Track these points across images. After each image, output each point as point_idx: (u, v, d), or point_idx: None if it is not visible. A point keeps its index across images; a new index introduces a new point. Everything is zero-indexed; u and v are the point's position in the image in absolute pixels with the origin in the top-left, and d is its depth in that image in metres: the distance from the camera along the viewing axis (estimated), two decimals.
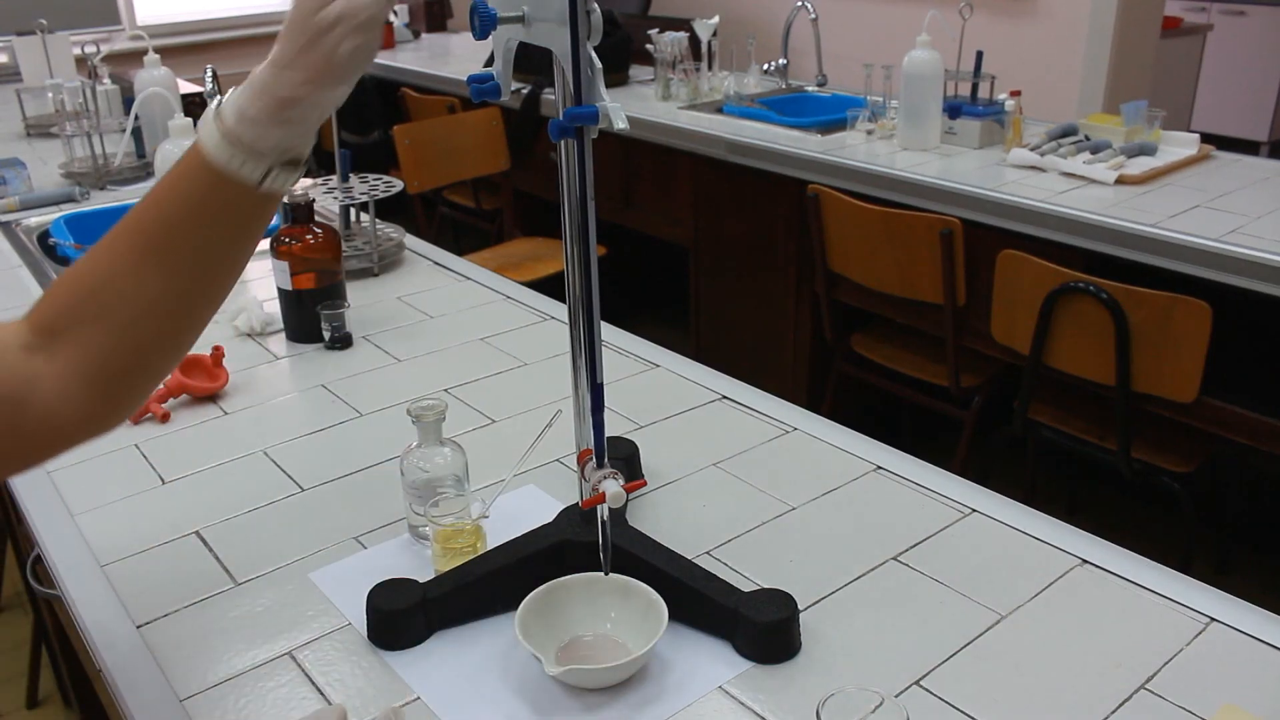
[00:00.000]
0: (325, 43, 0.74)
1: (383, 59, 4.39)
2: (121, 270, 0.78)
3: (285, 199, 1.53)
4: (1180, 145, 2.53)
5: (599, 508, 0.86)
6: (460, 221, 4.06)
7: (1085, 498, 2.66)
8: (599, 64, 0.78)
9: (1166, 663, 0.88)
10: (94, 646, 0.95)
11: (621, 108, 0.77)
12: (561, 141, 0.83)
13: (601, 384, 0.87)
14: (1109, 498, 2.64)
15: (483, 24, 0.80)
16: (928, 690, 0.85)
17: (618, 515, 1.02)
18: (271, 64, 0.76)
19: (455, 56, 4.45)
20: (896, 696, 0.83)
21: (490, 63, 3.41)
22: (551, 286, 1.75)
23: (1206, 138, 2.58)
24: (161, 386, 1.36)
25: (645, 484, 1.14)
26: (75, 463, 1.24)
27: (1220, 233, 2.02)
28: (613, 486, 0.83)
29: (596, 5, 0.78)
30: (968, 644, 0.90)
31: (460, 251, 1.95)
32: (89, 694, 1.88)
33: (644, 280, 3.70)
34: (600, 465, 0.88)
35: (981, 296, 2.31)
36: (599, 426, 0.88)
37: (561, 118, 0.79)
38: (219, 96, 0.80)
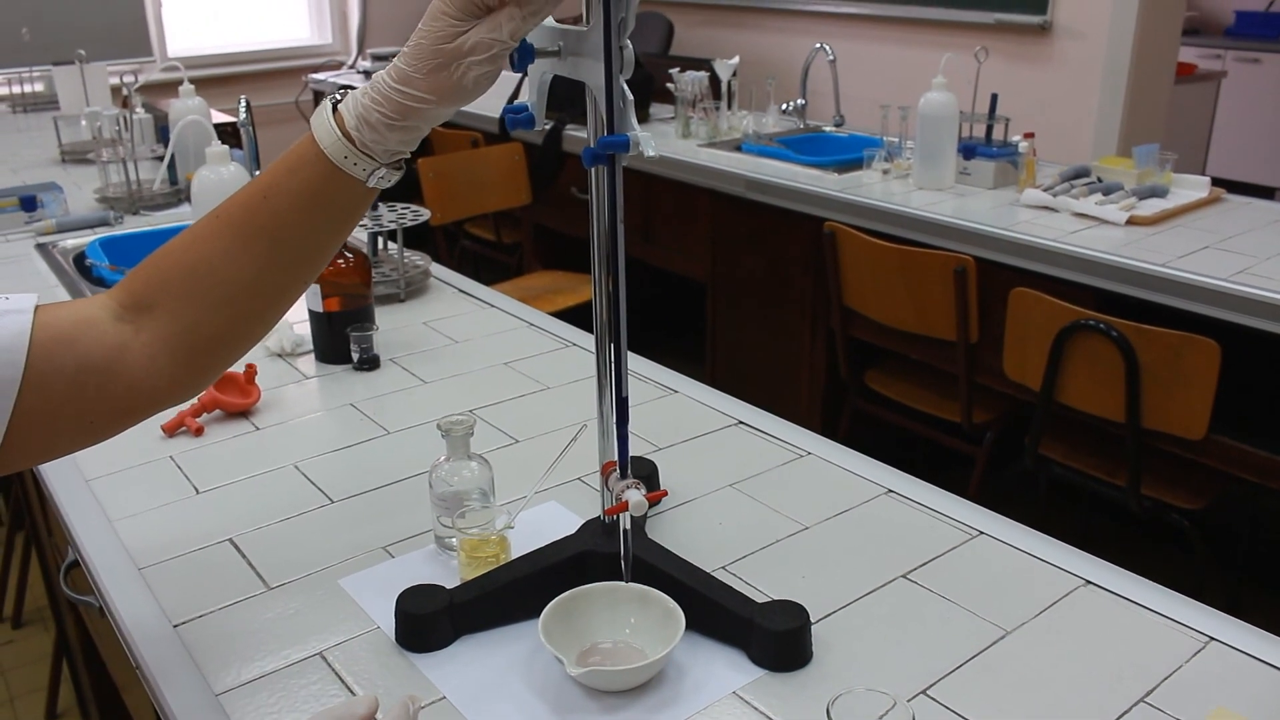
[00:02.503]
0: (455, 68, 0.79)
1: None
2: (220, 252, 0.84)
3: None
4: (1191, 188, 2.58)
5: (621, 516, 0.90)
6: (481, 254, 4.12)
7: (1096, 535, 2.68)
8: (630, 96, 0.83)
9: (1166, 678, 0.91)
10: (133, 643, 0.99)
11: (651, 137, 0.82)
12: (593, 168, 0.87)
13: (626, 397, 0.92)
14: (1120, 535, 2.66)
15: (520, 57, 0.85)
16: (934, 699, 0.89)
17: (638, 528, 1.06)
18: (395, 77, 0.81)
19: None
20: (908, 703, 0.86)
21: (514, 98, 3.48)
22: (571, 318, 1.79)
23: (1222, 183, 2.63)
24: (196, 401, 1.41)
25: (666, 493, 1.18)
26: (113, 472, 1.29)
27: (1229, 273, 2.06)
28: (635, 496, 0.87)
29: (629, 41, 0.83)
30: (973, 657, 0.94)
31: (481, 283, 1.99)
32: (110, 707, 1.92)
33: (661, 315, 3.75)
34: (624, 476, 0.92)
35: (994, 333, 2.35)
36: (623, 439, 0.92)
37: (595, 146, 0.84)
38: (335, 97, 0.85)
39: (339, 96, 0.85)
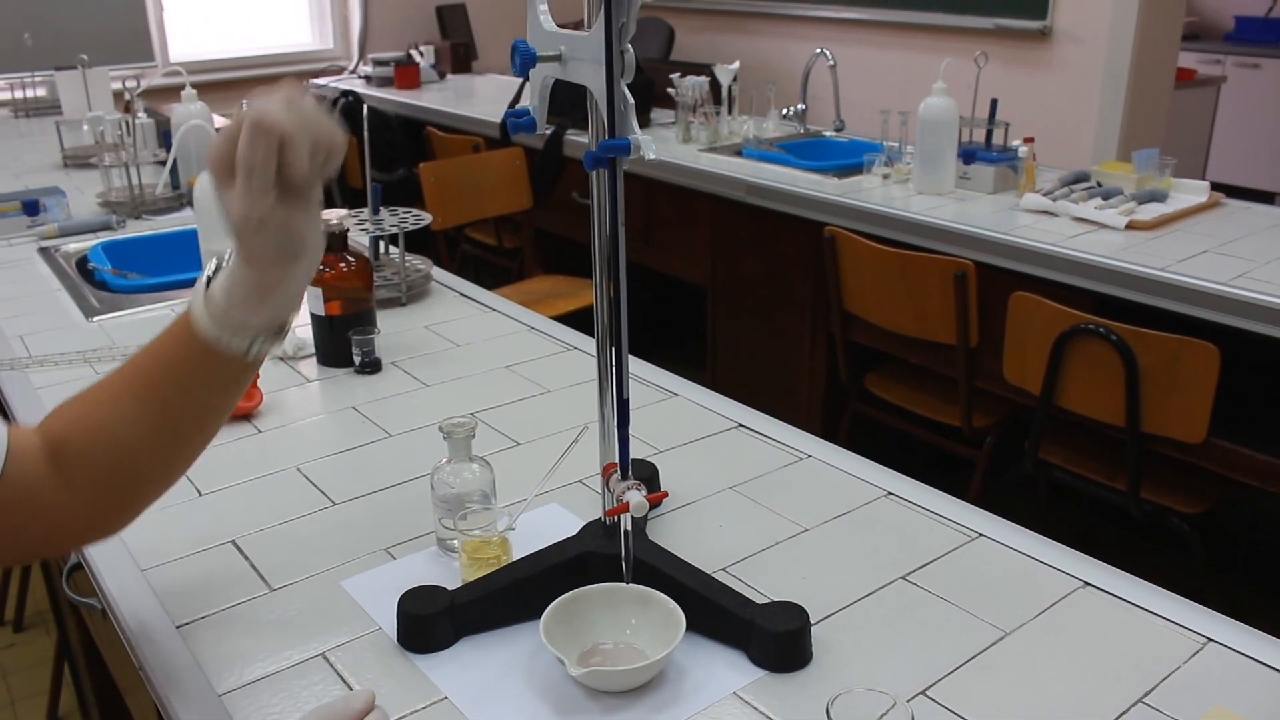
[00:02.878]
0: (261, 239, 0.81)
1: (409, 99, 4.49)
2: (118, 409, 0.87)
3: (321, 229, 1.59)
4: (1190, 192, 2.58)
5: (622, 517, 0.90)
6: (482, 259, 4.13)
7: (1096, 539, 2.68)
8: (631, 99, 0.83)
9: (1164, 679, 0.91)
10: (135, 644, 0.99)
11: (652, 140, 0.83)
12: (594, 172, 0.88)
13: (627, 399, 0.92)
14: (1121, 540, 2.66)
15: (523, 62, 0.86)
16: (933, 700, 0.89)
17: (639, 530, 1.06)
18: (240, 259, 0.83)
19: (480, 97, 4.55)
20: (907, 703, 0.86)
21: (515, 102, 3.50)
22: (572, 322, 1.80)
23: (1222, 188, 2.63)
24: None
25: (667, 495, 1.19)
26: None
27: (1228, 277, 2.07)
28: (636, 496, 0.88)
29: (630, 46, 0.83)
30: (972, 658, 0.94)
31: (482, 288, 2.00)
32: (112, 710, 1.92)
33: (662, 319, 3.75)
34: (625, 477, 0.92)
35: (994, 338, 2.36)
36: (624, 440, 0.93)
37: (596, 149, 0.85)
38: (210, 267, 0.87)
39: (211, 272, 0.86)
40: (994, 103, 2.72)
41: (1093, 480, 2.25)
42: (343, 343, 1.59)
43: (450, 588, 1.00)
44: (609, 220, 0.90)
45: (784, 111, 3.53)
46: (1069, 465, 2.29)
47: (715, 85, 3.42)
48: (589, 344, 1.68)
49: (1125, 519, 2.24)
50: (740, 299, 3.12)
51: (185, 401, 0.88)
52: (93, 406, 0.88)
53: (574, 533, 1.05)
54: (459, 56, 5.17)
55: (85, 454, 0.86)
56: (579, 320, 1.76)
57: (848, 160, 3.01)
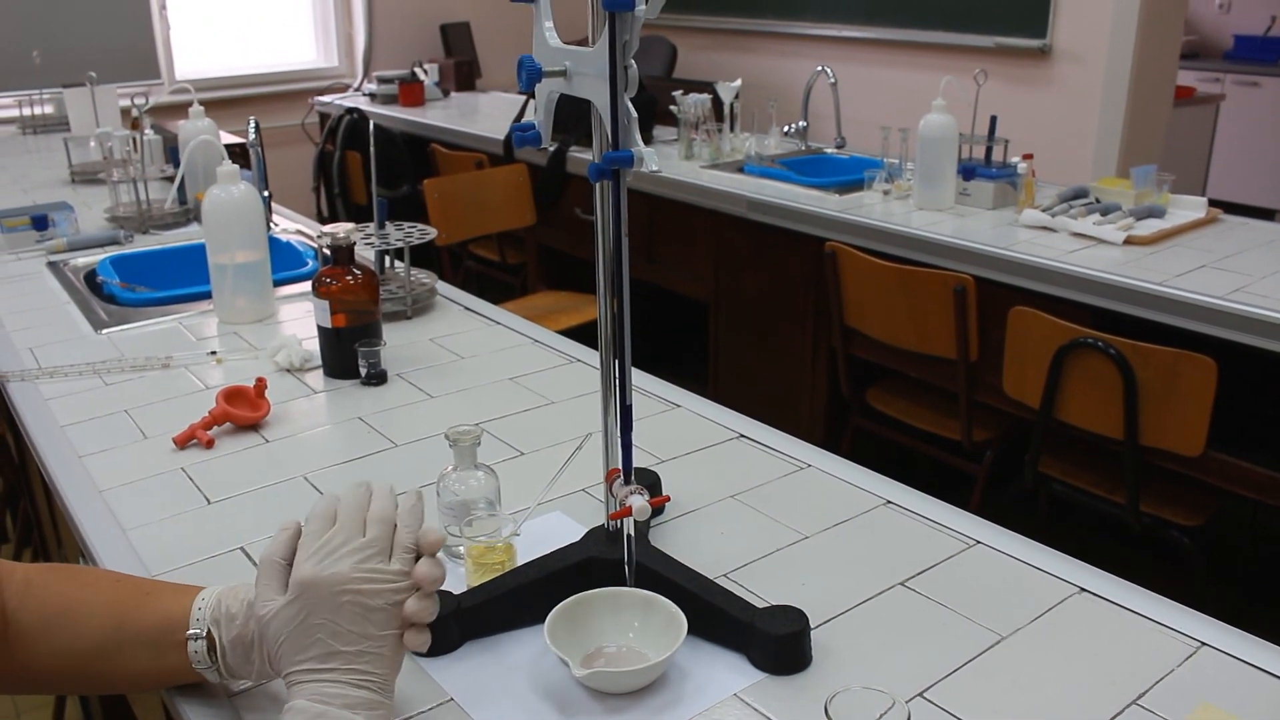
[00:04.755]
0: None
1: (413, 116, 4.53)
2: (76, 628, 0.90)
3: (328, 241, 1.61)
4: (1188, 208, 2.61)
5: (624, 521, 0.92)
6: (485, 275, 4.16)
7: (1095, 552, 2.69)
8: (634, 113, 0.86)
9: (1158, 681, 0.93)
10: None
11: (654, 152, 0.85)
12: (599, 183, 0.90)
13: (630, 405, 0.94)
14: (1121, 554, 2.67)
15: (529, 76, 0.88)
16: (930, 701, 0.91)
17: (641, 535, 1.08)
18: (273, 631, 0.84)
19: (483, 114, 4.58)
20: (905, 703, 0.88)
21: (520, 117, 3.54)
22: (575, 336, 1.82)
23: (1222, 205, 2.65)
24: (207, 415, 1.44)
25: (669, 499, 1.21)
26: (126, 483, 1.31)
27: (1225, 291, 2.09)
28: (638, 501, 0.89)
29: (633, 62, 0.85)
30: (969, 661, 0.96)
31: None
32: (117, 716, 1.93)
33: (663, 335, 3.77)
34: (627, 482, 0.94)
35: (994, 352, 2.37)
36: (627, 446, 0.95)
37: (600, 161, 0.87)
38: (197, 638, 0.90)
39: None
40: (993, 120, 2.74)
41: (1092, 493, 2.26)
42: (349, 355, 1.61)
43: (456, 592, 1.01)
44: (613, 231, 0.92)
45: (785, 129, 3.56)
46: (1068, 478, 2.31)
47: (717, 103, 3.46)
48: (592, 356, 1.70)
49: (1125, 532, 2.25)
50: (742, 315, 3.14)
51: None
52: (38, 607, 0.90)
53: (577, 538, 1.07)
54: (463, 74, 5.21)
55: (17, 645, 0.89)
56: (582, 335, 1.79)
57: (849, 177, 3.04)
